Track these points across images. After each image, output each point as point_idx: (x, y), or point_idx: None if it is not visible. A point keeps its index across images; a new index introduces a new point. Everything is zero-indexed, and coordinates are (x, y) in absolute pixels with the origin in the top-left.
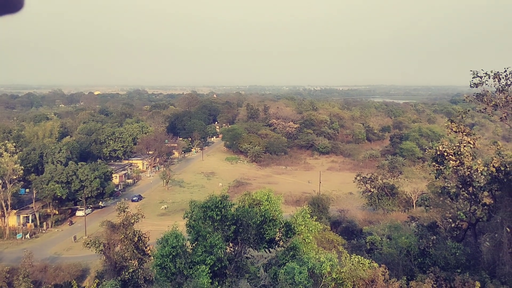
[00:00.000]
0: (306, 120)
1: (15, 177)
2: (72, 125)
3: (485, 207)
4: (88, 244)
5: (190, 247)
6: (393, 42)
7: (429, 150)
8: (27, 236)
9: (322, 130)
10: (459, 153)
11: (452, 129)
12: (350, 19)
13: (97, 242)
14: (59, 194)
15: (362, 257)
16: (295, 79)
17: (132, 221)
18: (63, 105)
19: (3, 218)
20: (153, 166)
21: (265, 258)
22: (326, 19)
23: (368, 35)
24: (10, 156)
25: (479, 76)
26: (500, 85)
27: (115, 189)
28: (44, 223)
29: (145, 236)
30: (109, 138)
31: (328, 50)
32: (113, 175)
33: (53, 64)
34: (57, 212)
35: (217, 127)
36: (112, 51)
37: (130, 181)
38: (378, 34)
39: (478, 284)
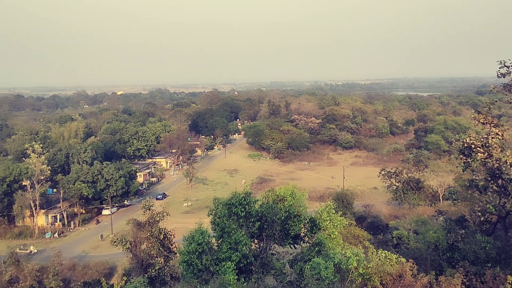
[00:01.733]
0: (328, 115)
1: (42, 178)
2: (96, 125)
3: None
4: (115, 242)
5: (216, 244)
6: (416, 34)
7: (456, 142)
8: (56, 235)
9: (344, 125)
10: (487, 145)
11: (479, 121)
12: (373, 12)
13: (123, 240)
14: (85, 194)
15: (389, 252)
16: (317, 74)
17: (157, 219)
18: (87, 106)
19: (32, 217)
20: (177, 164)
21: (291, 254)
22: (347, 13)
23: (391, 28)
24: (37, 157)
25: (506, 66)
26: None
27: (140, 188)
28: (72, 222)
29: (170, 233)
30: (133, 138)
31: (349, 44)
32: (138, 174)
33: (78, 66)
34: (84, 211)
35: (239, 124)
36: (134, 51)
37: (154, 179)
38: (401, 27)
39: (510, 278)
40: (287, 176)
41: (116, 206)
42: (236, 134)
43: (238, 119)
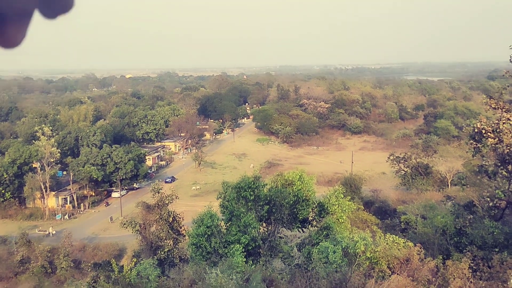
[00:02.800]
0: (338, 100)
1: (52, 160)
2: (105, 109)
3: None
4: (124, 224)
5: (224, 227)
6: (427, 18)
7: (467, 127)
8: (66, 217)
9: (354, 110)
10: (498, 130)
11: (490, 106)
12: None
13: (133, 222)
14: (95, 176)
15: (397, 237)
16: (326, 58)
17: (167, 202)
18: (96, 89)
19: (42, 199)
20: (185, 148)
21: (299, 237)
22: None
23: (402, 12)
24: (47, 140)
25: None
26: None
27: (149, 171)
28: (82, 204)
29: (179, 216)
30: (142, 121)
31: (360, 28)
32: (146, 157)
33: (87, 49)
34: (93, 194)
35: (248, 108)
36: (143, 34)
37: (163, 163)
38: (412, 11)
39: None
40: (296, 160)
41: (126, 189)
42: (245, 118)
43: (247, 103)
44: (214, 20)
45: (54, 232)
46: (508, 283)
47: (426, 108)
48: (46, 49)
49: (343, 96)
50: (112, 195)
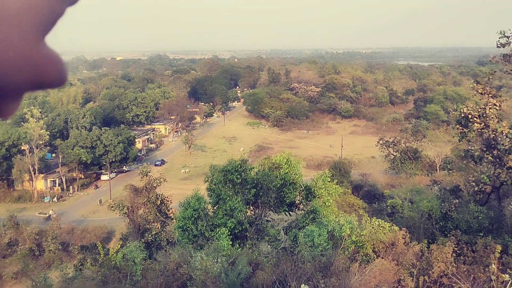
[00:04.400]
0: (328, 84)
1: (41, 142)
2: (95, 91)
3: (510, 170)
4: (112, 207)
5: (211, 210)
6: (417, 3)
7: (454, 112)
8: (55, 199)
9: (344, 94)
10: (484, 115)
11: (477, 91)
12: None
13: (121, 205)
14: (84, 159)
15: (383, 221)
16: (317, 42)
17: (155, 185)
18: (86, 71)
19: (31, 182)
20: (176, 131)
21: (285, 221)
22: None
23: None
24: (36, 122)
25: (506, 36)
26: None
27: (138, 154)
28: (71, 187)
29: (167, 199)
30: (132, 104)
31: (351, 11)
32: (136, 140)
33: (76, 30)
34: (82, 176)
35: (239, 91)
36: (132, 15)
37: (153, 145)
38: None
39: (499, 247)
40: (286, 144)
41: (115, 172)
42: (236, 101)
43: (237, 87)
44: (205, 2)
45: (55, 215)
46: (490, 267)
47: (416, 93)
48: None
49: (333, 80)
50: (101, 177)
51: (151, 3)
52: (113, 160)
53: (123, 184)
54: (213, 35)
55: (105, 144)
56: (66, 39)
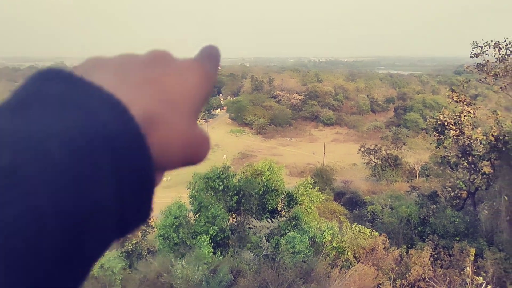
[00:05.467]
0: (311, 92)
1: None
2: None
3: (484, 176)
4: None
5: (193, 218)
6: (398, 13)
7: (430, 120)
8: None
9: (326, 102)
10: (459, 122)
11: (453, 99)
12: None
13: None
14: None
15: (363, 227)
16: (300, 50)
17: None
18: None
19: None
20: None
21: (267, 228)
22: None
23: (374, 6)
24: None
25: (479, 46)
26: (500, 55)
27: None
28: None
29: None
30: None
31: (333, 21)
32: None
33: (54, 36)
34: None
35: (222, 99)
36: (113, 20)
37: None
38: (382, 6)
39: (473, 250)
40: (269, 151)
41: None
42: (219, 109)
43: (221, 94)
44: (185, 6)
45: None
46: (465, 270)
47: (396, 101)
48: (12, 36)
49: (316, 88)
50: None
51: (133, 6)
52: None
53: None
54: (196, 42)
55: None
56: (43, 45)
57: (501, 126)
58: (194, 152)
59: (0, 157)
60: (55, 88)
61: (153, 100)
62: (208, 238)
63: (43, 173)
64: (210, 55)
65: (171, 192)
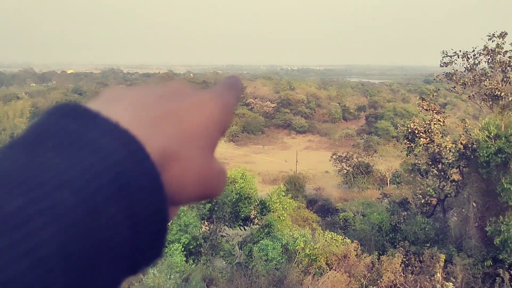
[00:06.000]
0: (283, 100)
1: None
2: (44, 105)
3: (453, 183)
4: None
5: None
6: (368, 23)
7: (401, 128)
8: None
9: (299, 110)
10: (429, 130)
11: (423, 107)
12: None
13: None
14: None
15: (336, 234)
16: (273, 58)
17: None
18: (34, 84)
19: None
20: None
21: (240, 236)
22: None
23: (343, 15)
24: None
25: (448, 56)
26: (468, 64)
27: None
28: None
29: None
30: None
31: (305, 29)
32: None
33: (23, 42)
34: None
35: None
36: (86, 28)
37: None
38: (353, 15)
39: (443, 256)
40: (242, 159)
41: None
42: None
43: None
44: (159, 15)
45: None
46: (435, 276)
47: (368, 109)
48: None
49: (288, 96)
50: None
51: (103, 13)
52: None
53: None
54: (168, 49)
55: None
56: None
57: (469, 134)
58: (211, 186)
59: (10, 202)
60: (71, 125)
61: (169, 135)
62: (181, 247)
63: (54, 224)
64: (231, 86)
65: None
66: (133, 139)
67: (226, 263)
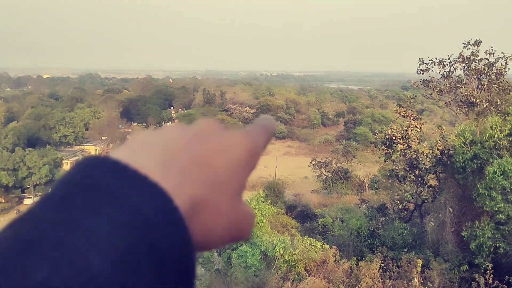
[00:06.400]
0: (263, 105)
1: None
2: (19, 110)
3: (430, 188)
4: None
5: None
6: (347, 29)
7: (379, 134)
8: None
9: (278, 115)
10: (406, 137)
11: (400, 114)
12: (306, 5)
13: None
14: (5, 182)
15: (314, 239)
16: (252, 64)
17: None
18: (9, 89)
19: None
20: (107, 152)
21: None
22: (281, 4)
23: (323, 22)
24: None
25: (425, 63)
26: (444, 72)
27: None
28: None
29: None
30: (59, 123)
31: (284, 35)
32: (64, 162)
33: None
34: (3, 200)
35: (173, 112)
36: (63, 32)
37: None
38: (333, 21)
39: (420, 261)
40: None
41: (40, 195)
42: (170, 122)
43: (172, 107)
44: (138, 19)
45: None
46: (413, 281)
47: (346, 115)
48: None
49: (268, 102)
50: (24, 201)
51: (81, 17)
52: (38, 183)
53: None
54: (147, 54)
55: (29, 166)
56: None
57: (446, 140)
58: (239, 230)
59: (36, 270)
60: (100, 180)
61: (198, 182)
62: None
63: None
64: (263, 127)
65: None
66: (162, 193)
67: (204, 270)
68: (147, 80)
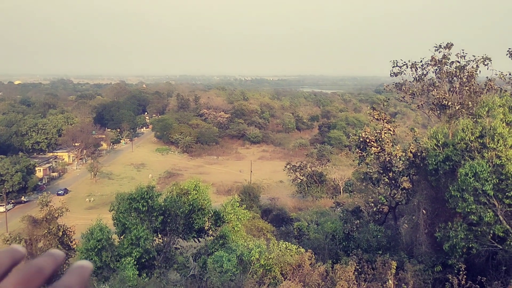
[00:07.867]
0: (237, 110)
1: None
2: None
3: (404, 191)
4: (8, 241)
5: (118, 240)
6: (320, 33)
7: (353, 137)
8: None
9: (253, 120)
10: (380, 139)
11: (374, 117)
12: (279, 10)
13: (17, 238)
14: None
15: (290, 243)
16: (226, 69)
17: (56, 215)
18: None
19: None
20: (80, 159)
21: (195, 248)
22: (253, 9)
23: (297, 26)
24: None
25: (398, 66)
26: (417, 75)
27: (39, 183)
28: None
29: (70, 230)
30: (31, 130)
31: (258, 40)
32: (37, 169)
33: None
34: None
35: (147, 117)
36: (34, 38)
37: (55, 174)
38: (306, 26)
39: (394, 263)
40: (196, 170)
41: (12, 203)
42: (144, 127)
43: (146, 113)
44: (111, 25)
45: None
46: (387, 283)
47: (321, 119)
48: None
49: (242, 107)
50: None
51: (52, 23)
52: (10, 190)
53: (21, 216)
54: (120, 59)
55: (1, 173)
56: None
57: (419, 143)
58: None
59: None
60: None
61: None
62: (133, 260)
63: None
64: (77, 277)
65: (95, 214)
66: None
67: (180, 275)
68: (120, 85)
